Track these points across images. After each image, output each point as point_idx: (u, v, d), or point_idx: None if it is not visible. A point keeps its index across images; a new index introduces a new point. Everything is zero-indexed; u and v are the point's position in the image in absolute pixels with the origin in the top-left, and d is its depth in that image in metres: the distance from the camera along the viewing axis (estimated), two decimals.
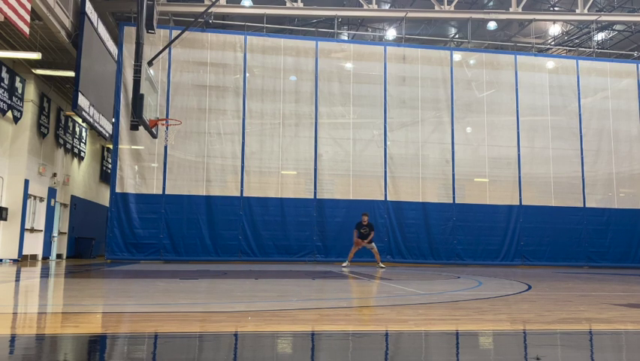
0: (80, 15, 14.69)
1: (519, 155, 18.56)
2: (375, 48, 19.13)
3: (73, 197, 20.57)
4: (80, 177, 21.69)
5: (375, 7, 19.18)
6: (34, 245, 16.98)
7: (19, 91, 15.62)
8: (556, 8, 22.89)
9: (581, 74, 19.43)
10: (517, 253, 18.03)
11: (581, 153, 18.91)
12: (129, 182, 16.61)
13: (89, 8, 14.92)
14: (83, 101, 14.77)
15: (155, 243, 16.43)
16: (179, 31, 15.07)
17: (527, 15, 19.51)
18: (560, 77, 19.45)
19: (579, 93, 19.29)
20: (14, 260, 15.60)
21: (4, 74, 14.59)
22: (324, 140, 17.72)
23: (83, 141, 21.60)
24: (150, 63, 13.09)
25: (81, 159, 21.52)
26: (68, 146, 19.79)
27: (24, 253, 16.14)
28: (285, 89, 17.82)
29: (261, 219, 16.93)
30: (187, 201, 16.71)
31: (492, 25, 22.25)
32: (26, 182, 16.19)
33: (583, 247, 18.34)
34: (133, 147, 16.87)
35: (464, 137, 18.67)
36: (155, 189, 16.72)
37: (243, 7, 19.08)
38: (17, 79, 15.39)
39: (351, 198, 17.34)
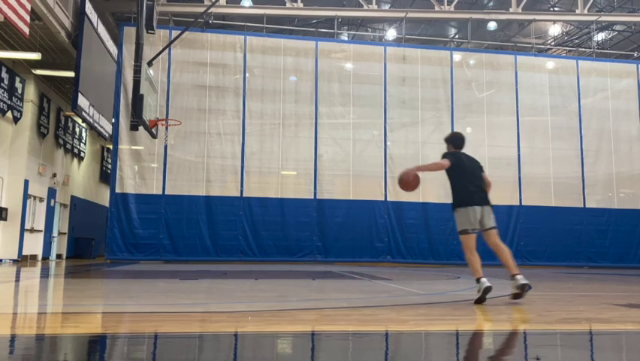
0: (79, 15, 14.68)
1: (519, 155, 18.54)
2: (375, 48, 19.12)
3: (73, 197, 20.56)
4: (80, 177, 21.68)
5: (375, 7, 19.17)
6: (33, 245, 16.97)
7: (19, 91, 15.61)
8: (556, 8, 22.89)
9: (581, 75, 19.42)
10: (517, 253, 17.91)
11: (581, 154, 18.89)
12: (129, 182, 16.60)
13: (88, 8, 14.90)
14: (82, 101, 14.76)
15: (155, 243, 16.41)
16: (179, 32, 15.08)
17: (527, 15, 19.50)
18: (560, 77, 19.43)
19: (579, 93, 19.27)
20: (14, 260, 15.59)
21: (4, 75, 14.59)
22: (324, 140, 17.71)
23: (83, 141, 21.60)
24: (150, 63, 13.10)
25: (81, 159, 21.51)
26: (68, 146, 19.78)
27: (24, 253, 16.14)
28: (285, 90, 17.81)
29: (260, 219, 16.91)
30: (187, 202, 16.69)
31: (492, 26, 22.25)
32: (26, 182, 16.18)
33: (583, 247, 18.32)
34: (133, 147, 16.86)
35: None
36: (155, 190, 16.71)
37: (243, 7, 19.07)
38: (17, 79, 15.38)
39: (351, 198, 17.33)
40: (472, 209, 5.85)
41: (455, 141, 6.28)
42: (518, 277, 5.55)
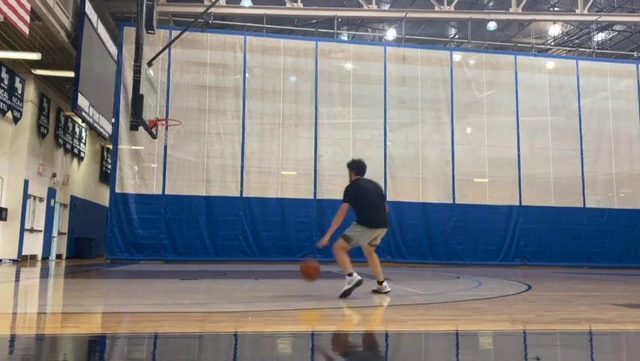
0: (79, 15, 14.67)
1: (519, 155, 18.54)
2: (375, 48, 19.12)
3: (72, 197, 20.56)
4: (80, 177, 21.68)
5: (375, 7, 19.16)
6: (33, 245, 16.96)
7: (19, 91, 15.60)
8: (556, 8, 22.89)
9: (581, 75, 19.41)
10: (517, 253, 18.01)
11: (581, 154, 18.89)
12: (129, 182, 16.59)
13: (88, 8, 14.90)
14: (82, 101, 14.76)
15: (155, 243, 16.40)
16: (179, 32, 15.06)
17: (527, 15, 19.49)
18: (560, 77, 19.43)
19: (579, 93, 19.26)
20: (14, 260, 15.58)
21: (4, 75, 14.58)
22: (323, 140, 17.70)
23: (83, 141, 21.59)
24: (150, 63, 13.08)
25: (81, 159, 21.50)
26: (68, 146, 19.77)
27: (23, 253, 16.13)
28: (285, 90, 17.80)
29: (260, 219, 16.90)
30: (187, 202, 16.68)
31: (492, 26, 22.25)
32: (26, 182, 16.17)
33: (583, 248, 18.31)
34: (133, 147, 16.85)
35: (464, 137, 18.65)
36: (155, 190, 16.70)
37: (243, 7, 19.06)
38: (17, 79, 15.37)
39: None
40: (373, 231, 6.31)
41: (357, 168, 6.62)
42: (385, 283, 6.45)
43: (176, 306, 5.13)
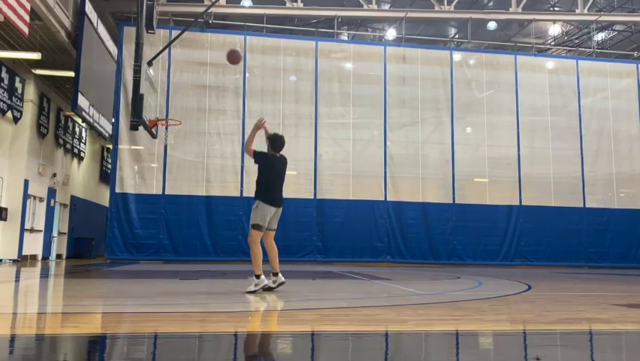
0: (79, 15, 14.67)
1: (519, 155, 18.54)
2: (375, 48, 19.12)
3: (72, 197, 20.56)
4: (80, 177, 21.68)
5: (375, 7, 19.17)
6: (33, 245, 16.97)
7: (19, 91, 15.61)
8: (556, 8, 22.89)
9: (581, 75, 19.41)
10: (517, 253, 18.01)
11: (581, 153, 18.89)
12: (129, 182, 16.59)
13: (88, 8, 14.90)
14: (82, 101, 14.76)
15: (155, 243, 16.40)
16: (179, 31, 15.05)
17: (527, 15, 19.50)
18: (560, 77, 19.44)
19: (579, 93, 19.27)
20: (14, 260, 15.59)
21: (4, 74, 14.58)
22: (324, 140, 17.70)
23: (83, 141, 21.59)
24: (150, 63, 13.07)
25: (81, 159, 21.51)
26: (68, 146, 19.77)
27: (24, 253, 16.13)
28: (285, 89, 17.80)
29: None
30: (187, 202, 16.68)
31: (492, 26, 22.24)
32: (26, 182, 16.18)
33: (583, 247, 18.31)
34: (133, 147, 16.85)
35: (464, 137, 18.65)
36: (155, 190, 16.70)
37: (243, 7, 19.07)
38: (17, 79, 15.38)
39: (351, 198, 17.33)
40: (270, 208, 6.44)
41: (274, 143, 6.70)
42: (280, 275, 6.49)
43: (176, 306, 5.13)
